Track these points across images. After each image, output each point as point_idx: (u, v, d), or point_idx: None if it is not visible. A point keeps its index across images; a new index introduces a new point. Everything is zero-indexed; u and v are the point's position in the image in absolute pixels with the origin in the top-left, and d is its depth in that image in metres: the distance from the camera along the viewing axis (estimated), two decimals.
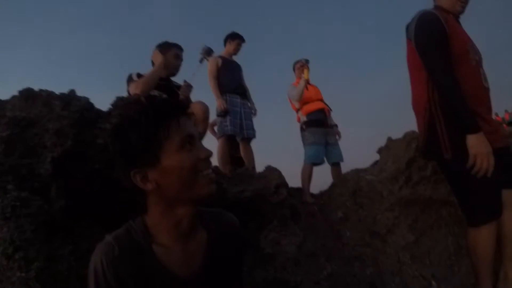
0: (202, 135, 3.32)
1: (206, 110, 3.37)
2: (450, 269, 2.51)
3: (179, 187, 1.09)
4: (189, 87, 3.41)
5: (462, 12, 2.41)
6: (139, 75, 3.21)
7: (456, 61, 2.23)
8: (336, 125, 4.80)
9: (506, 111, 7.02)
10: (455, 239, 2.58)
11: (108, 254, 1.06)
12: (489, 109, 2.31)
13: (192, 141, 1.12)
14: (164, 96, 3.21)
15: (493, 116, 2.52)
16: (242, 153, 4.17)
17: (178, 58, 3.49)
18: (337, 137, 4.68)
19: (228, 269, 1.25)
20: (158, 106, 1.14)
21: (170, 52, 3.43)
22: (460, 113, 2.14)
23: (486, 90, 2.31)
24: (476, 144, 2.08)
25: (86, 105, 2.26)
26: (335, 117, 4.93)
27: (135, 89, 3.01)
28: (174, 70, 3.48)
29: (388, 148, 2.96)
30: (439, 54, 2.22)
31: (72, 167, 2.11)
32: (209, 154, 1.14)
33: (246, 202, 2.78)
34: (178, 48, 3.50)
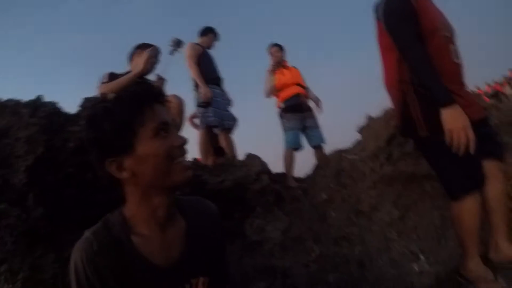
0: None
1: (181, 103, 3.35)
2: (437, 242, 2.53)
3: (154, 174, 1.09)
4: (162, 80, 3.37)
5: None
6: (111, 76, 3.15)
7: (425, 38, 2.21)
8: (318, 100, 4.79)
9: (487, 84, 7.09)
10: (440, 212, 2.60)
11: (87, 249, 1.06)
12: (462, 84, 2.30)
13: (167, 128, 1.12)
14: None
15: (474, 89, 2.52)
16: (223, 143, 4.14)
17: (155, 57, 3.45)
18: (318, 110, 4.69)
19: (208, 256, 1.25)
20: (132, 93, 1.14)
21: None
22: (432, 87, 2.12)
23: (458, 66, 2.29)
24: (451, 119, 2.05)
25: (54, 110, 2.23)
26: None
27: (105, 90, 2.96)
28: (150, 68, 3.43)
29: (369, 127, 2.97)
30: (408, 30, 2.19)
31: (46, 174, 2.08)
32: (184, 141, 1.14)
33: (228, 191, 2.77)
34: (155, 48, 3.45)
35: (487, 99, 4.01)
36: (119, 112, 1.07)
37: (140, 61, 3.22)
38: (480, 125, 2.22)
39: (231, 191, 2.77)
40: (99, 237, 1.09)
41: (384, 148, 2.75)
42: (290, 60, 5.00)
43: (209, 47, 4.66)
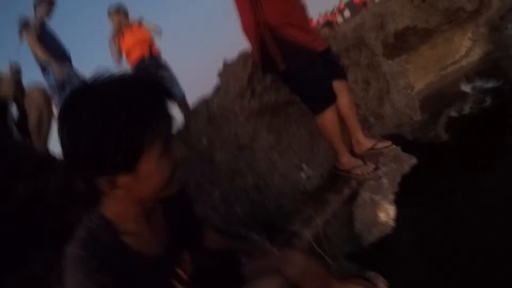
0: (48, 125, 2.94)
1: (48, 97, 2.98)
2: (311, 151, 3.12)
3: (153, 192, 1.04)
4: (16, 73, 2.88)
5: None
6: None
7: None
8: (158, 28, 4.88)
9: (320, 15, 7.94)
10: (306, 128, 3.16)
11: (87, 270, 0.94)
12: (306, 21, 2.83)
13: (172, 142, 1.03)
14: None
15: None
16: None
17: None
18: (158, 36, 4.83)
19: (188, 222, 1.34)
20: (144, 100, 0.92)
21: None
22: None
23: (303, 7, 2.79)
24: None
25: None
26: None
27: None
28: None
29: (227, 71, 3.24)
30: None
31: None
32: (185, 154, 1.11)
33: None
34: None
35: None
36: (129, 127, 0.89)
37: None
38: (325, 54, 2.81)
39: None
40: (93, 252, 0.97)
41: (247, 87, 3.10)
42: (136, 12, 4.83)
43: (45, 17, 4.23)
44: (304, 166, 3.03)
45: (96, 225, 1.03)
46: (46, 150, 2.63)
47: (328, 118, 2.75)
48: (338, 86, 2.83)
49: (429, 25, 3.44)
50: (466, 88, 3.72)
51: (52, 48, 4.11)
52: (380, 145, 2.93)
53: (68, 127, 0.92)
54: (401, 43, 3.46)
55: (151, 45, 4.76)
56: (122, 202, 1.05)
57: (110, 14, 4.76)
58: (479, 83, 3.67)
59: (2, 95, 2.75)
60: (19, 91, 2.89)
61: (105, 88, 0.93)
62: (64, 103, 0.95)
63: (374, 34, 3.36)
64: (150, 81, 0.99)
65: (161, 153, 0.96)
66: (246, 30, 2.76)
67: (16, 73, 2.92)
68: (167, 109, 0.99)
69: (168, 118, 1.00)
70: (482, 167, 2.89)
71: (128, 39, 4.64)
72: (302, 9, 2.78)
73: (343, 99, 2.89)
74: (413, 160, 2.80)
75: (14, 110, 2.83)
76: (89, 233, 1.01)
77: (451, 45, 3.67)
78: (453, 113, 3.53)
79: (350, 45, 3.34)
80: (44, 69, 4.06)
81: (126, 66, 4.75)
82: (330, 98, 2.74)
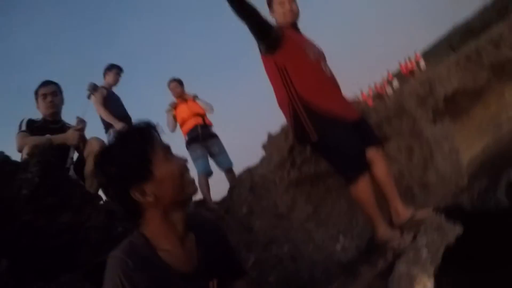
0: None
1: (103, 145, 3.38)
2: (350, 222, 3.05)
3: (173, 192, 1.27)
4: (82, 122, 3.38)
5: (293, 20, 2.97)
6: (29, 123, 3.17)
7: (295, 60, 2.79)
8: (210, 106, 5.27)
9: (369, 87, 8.12)
10: (345, 199, 3.12)
11: (124, 268, 1.17)
12: (337, 92, 2.93)
13: (170, 151, 1.32)
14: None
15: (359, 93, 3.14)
16: None
17: (48, 96, 3.35)
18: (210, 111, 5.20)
19: (220, 256, 1.43)
20: (140, 127, 1.33)
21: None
22: None
23: (331, 79, 2.92)
24: None
25: (3, 159, 2.16)
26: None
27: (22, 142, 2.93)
28: (51, 109, 3.36)
29: (271, 143, 3.41)
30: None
31: (3, 226, 2.00)
32: (186, 160, 1.36)
33: None
34: (45, 86, 3.38)
35: (370, 103, 4.66)
36: (135, 146, 1.26)
37: (41, 105, 3.22)
38: (358, 123, 2.86)
39: None
40: (131, 255, 1.20)
41: (287, 158, 3.21)
42: (191, 86, 5.37)
43: (113, 84, 4.81)
44: (340, 237, 2.95)
45: (137, 240, 1.27)
46: (96, 194, 2.87)
47: (361, 187, 2.70)
48: (373, 154, 2.81)
49: (477, 84, 3.33)
50: None
51: (115, 111, 4.59)
52: (420, 214, 2.76)
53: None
54: (452, 107, 3.36)
55: (204, 116, 5.14)
56: (156, 220, 1.28)
57: (169, 83, 5.26)
58: None
59: (66, 141, 3.18)
60: (81, 140, 3.28)
61: (119, 138, 1.34)
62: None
63: (415, 100, 3.33)
64: (143, 123, 1.35)
65: (164, 157, 1.28)
66: (281, 104, 2.91)
67: (81, 123, 3.36)
68: (152, 131, 1.33)
69: (155, 135, 1.32)
70: None
71: (183, 111, 5.09)
72: (331, 81, 2.90)
73: (379, 167, 2.84)
74: (458, 229, 2.57)
75: (75, 155, 3.24)
76: (130, 243, 1.25)
77: (503, 101, 3.46)
78: None
79: (391, 113, 3.34)
80: (107, 130, 4.55)
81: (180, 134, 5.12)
82: (362, 167, 2.72)
